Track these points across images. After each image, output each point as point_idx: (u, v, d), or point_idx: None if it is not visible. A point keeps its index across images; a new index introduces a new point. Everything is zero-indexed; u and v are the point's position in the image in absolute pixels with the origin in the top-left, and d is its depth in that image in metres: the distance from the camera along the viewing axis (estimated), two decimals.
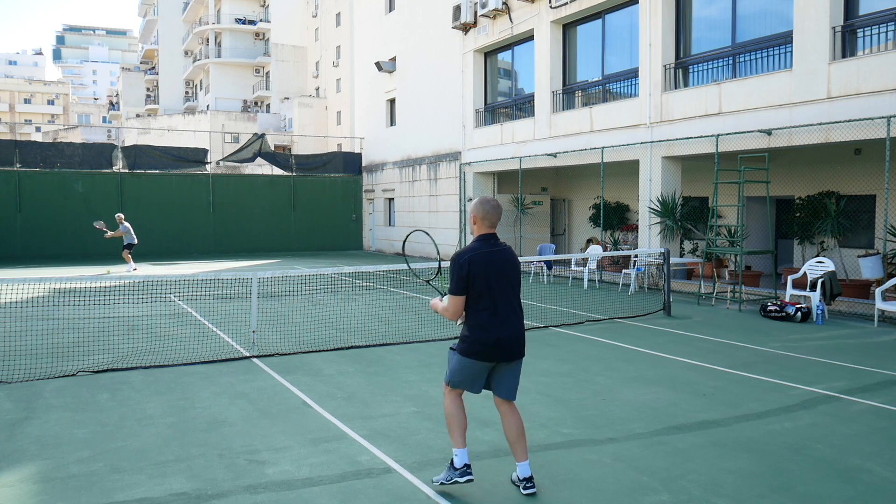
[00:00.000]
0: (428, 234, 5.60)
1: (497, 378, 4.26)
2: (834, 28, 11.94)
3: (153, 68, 69.70)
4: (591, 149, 17.13)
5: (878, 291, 10.22)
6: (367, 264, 16.49)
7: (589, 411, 5.95)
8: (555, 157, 18.32)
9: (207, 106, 54.41)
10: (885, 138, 10.91)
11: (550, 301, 12.93)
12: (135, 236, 18.66)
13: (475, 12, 21.40)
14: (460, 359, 4.20)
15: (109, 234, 18.59)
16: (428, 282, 4.88)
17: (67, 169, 24.33)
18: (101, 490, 4.29)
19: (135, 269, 18.60)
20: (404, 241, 5.30)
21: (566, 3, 17.94)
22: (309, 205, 28.34)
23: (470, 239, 4.38)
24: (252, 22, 55.24)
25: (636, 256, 14.93)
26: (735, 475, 4.50)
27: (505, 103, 22.10)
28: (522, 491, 4.17)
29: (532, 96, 19.84)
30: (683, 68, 15.45)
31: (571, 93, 18.92)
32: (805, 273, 11.68)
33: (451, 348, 4.33)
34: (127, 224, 18.57)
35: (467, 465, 4.19)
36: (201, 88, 60.31)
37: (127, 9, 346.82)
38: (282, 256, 24.85)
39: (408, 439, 5.21)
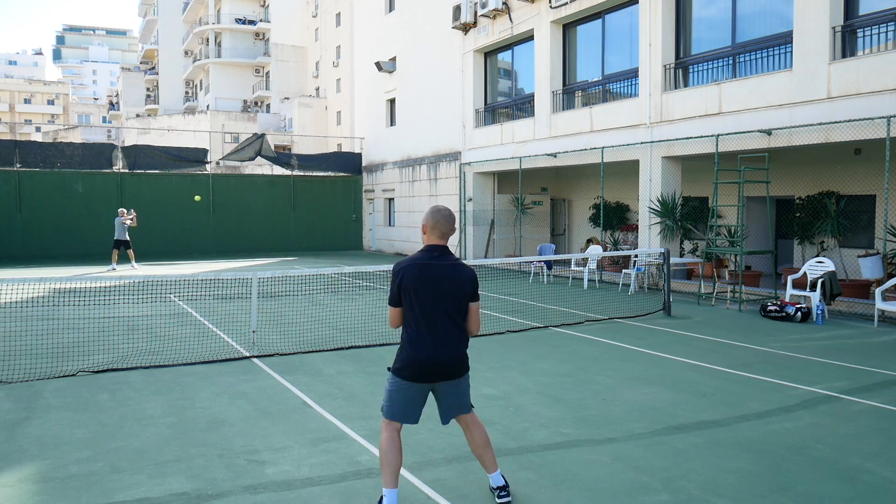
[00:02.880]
0: None
1: (440, 397, 4.00)
2: (834, 28, 11.94)
3: (153, 68, 69.70)
4: (591, 149, 17.13)
5: (878, 291, 10.22)
6: (367, 264, 16.49)
7: (589, 411, 5.95)
8: (555, 157, 18.32)
9: (207, 106, 54.41)
10: (885, 138, 10.91)
11: (550, 301, 12.93)
12: (122, 233, 19.07)
13: (475, 12, 21.40)
14: (392, 379, 3.95)
15: (133, 222, 19.08)
16: None
17: (67, 169, 24.32)
18: (101, 490, 4.29)
19: (113, 270, 18.75)
20: None
21: (566, 3, 17.94)
22: (309, 205, 28.33)
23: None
24: (252, 22, 55.24)
25: (636, 256, 14.93)
26: (735, 475, 4.50)
27: (505, 103, 22.10)
28: (497, 500, 4.05)
29: (532, 96, 19.84)
30: (683, 68, 15.45)
31: (571, 93, 18.92)
32: (805, 273, 11.68)
33: (388, 368, 4.05)
34: (121, 219, 18.90)
35: None
36: (201, 88, 60.31)
37: (127, 9, 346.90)
38: (282, 256, 24.85)
39: (407, 439, 5.20)
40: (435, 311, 3.85)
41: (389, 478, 3.88)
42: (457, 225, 22.64)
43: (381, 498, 3.91)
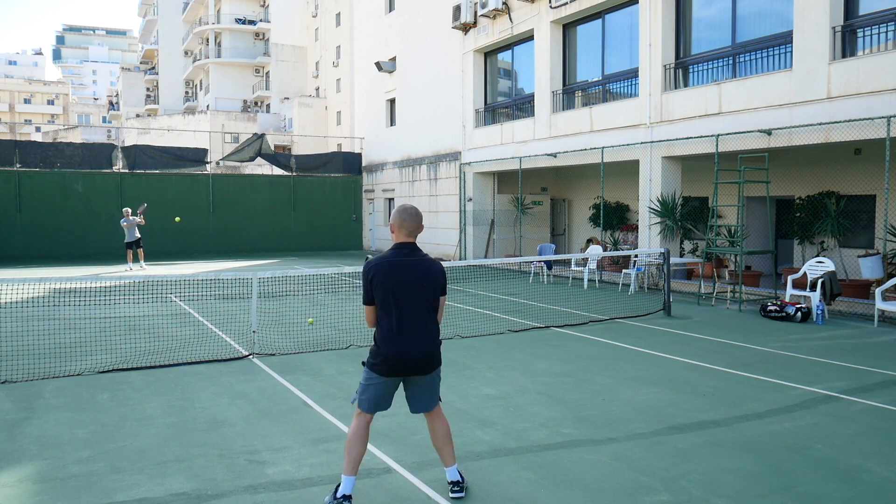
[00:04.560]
0: None
1: (410, 392, 4.11)
2: (834, 28, 11.94)
3: (153, 68, 69.69)
4: (591, 149, 17.13)
5: (878, 291, 10.22)
6: None
7: (589, 411, 5.95)
8: (555, 157, 18.32)
9: (207, 106, 54.40)
10: (885, 138, 10.91)
11: (550, 301, 12.93)
12: (131, 234, 19.07)
13: (475, 12, 21.40)
14: (367, 374, 4.04)
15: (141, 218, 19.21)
16: None
17: (67, 169, 24.32)
18: (101, 490, 4.29)
19: (129, 270, 18.81)
20: None
21: (566, 3, 17.94)
22: (309, 205, 28.33)
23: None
24: (252, 22, 55.23)
25: (636, 256, 14.93)
26: (735, 475, 4.50)
27: (505, 103, 22.10)
28: (450, 494, 4.13)
29: (532, 96, 19.84)
30: (683, 68, 15.45)
31: (571, 93, 18.92)
32: (805, 273, 11.68)
33: (362, 362, 4.16)
34: (131, 219, 18.98)
35: (347, 497, 3.94)
36: (201, 88, 60.30)
37: (127, 9, 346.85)
38: (282, 256, 24.84)
39: (408, 439, 5.21)
40: (406, 307, 3.94)
41: (350, 464, 4.00)
42: (457, 225, 22.70)
43: (338, 485, 4.01)
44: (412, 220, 4.04)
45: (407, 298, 3.94)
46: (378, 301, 3.96)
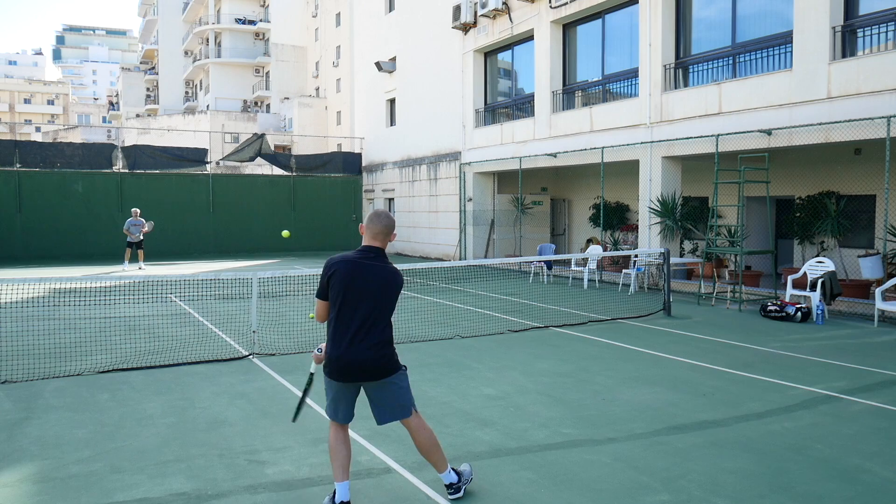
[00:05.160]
0: None
1: (371, 401, 4.02)
2: (834, 28, 11.94)
3: (153, 68, 69.68)
4: (591, 149, 17.13)
5: (878, 291, 10.22)
6: None
7: (589, 411, 5.95)
8: (555, 157, 18.32)
9: (207, 106, 54.39)
10: (885, 138, 10.91)
11: (550, 301, 12.93)
12: (134, 234, 19.19)
13: (475, 12, 21.40)
14: (324, 378, 4.01)
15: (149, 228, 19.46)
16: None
17: (67, 169, 24.31)
18: (101, 490, 4.29)
19: (124, 270, 18.86)
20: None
21: (566, 3, 17.94)
22: (309, 205, 28.32)
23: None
24: (252, 22, 55.23)
25: (636, 256, 14.93)
26: (735, 475, 4.50)
27: (505, 103, 22.10)
28: (448, 496, 4.14)
29: (532, 96, 19.84)
30: (683, 68, 15.45)
31: (571, 93, 18.92)
32: (805, 273, 11.68)
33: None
34: (139, 220, 19.17)
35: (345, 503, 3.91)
36: (201, 88, 60.30)
37: (127, 9, 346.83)
38: (282, 256, 24.84)
39: (408, 439, 5.19)
40: (358, 310, 3.87)
41: (338, 471, 3.96)
42: (457, 225, 22.70)
43: (334, 492, 3.96)
44: (378, 222, 3.99)
45: (360, 302, 3.86)
46: (331, 299, 3.92)
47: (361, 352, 3.85)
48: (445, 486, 4.17)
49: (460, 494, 4.14)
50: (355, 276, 3.88)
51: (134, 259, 19.55)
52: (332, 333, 3.92)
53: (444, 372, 7.39)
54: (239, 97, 56.22)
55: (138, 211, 19.67)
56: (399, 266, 4.54)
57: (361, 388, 4.03)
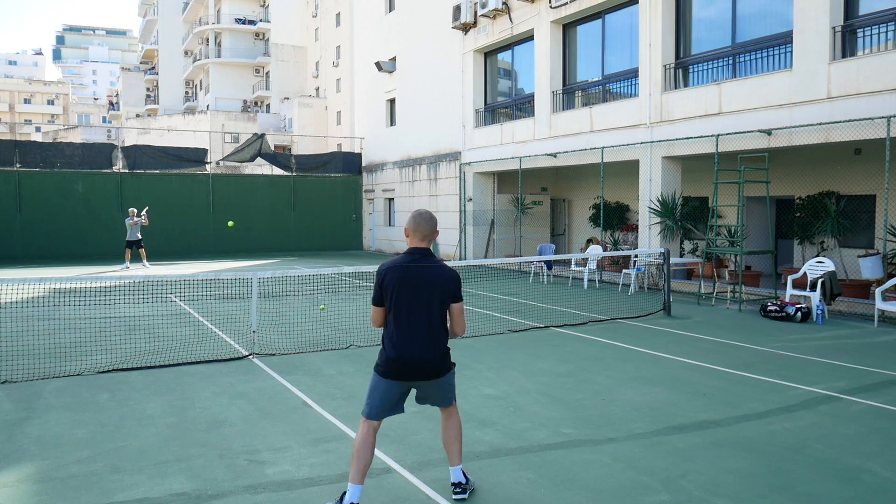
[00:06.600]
0: None
1: (422, 395, 4.14)
2: (834, 28, 11.94)
3: (153, 68, 69.67)
4: (591, 149, 17.13)
5: (878, 291, 10.22)
6: (367, 264, 16.48)
7: (589, 411, 5.95)
8: (555, 157, 18.32)
9: (207, 106, 54.37)
10: (885, 138, 10.91)
11: (550, 301, 12.93)
12: (133, 233, 19.27)
13: (475, 12, 21.40)
14: (373, 377, 4.10)
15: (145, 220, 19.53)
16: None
17: (67, 169, 24.31)
18: (101, 490, 4.29)
19: (126, 269, 18.87)
20: None
21: (566, 3, 17.94)
22: (309, 205, 28.33)
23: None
24: (252, 22, 55.21)
25: (636, 256, 14.93)
26: (735, 475, 4.50)
27: (505, 103, 22.10)
28: (453, 496, 4.12)
29: (532, 96, 19.84)
30: (683, 68, 15.45)
31: (571, 93, 18.92)
32: (805, 273, 11.68)
33: (374, 367, 4.19)
34: (135, 219, 19.19)
35: None
36: (201, 88, 60.29)
37: (127, 9, 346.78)
38: (282, 256, 24.85)
39: (408, 439, 5.21)
40: (414, 312, 3.96)
41: (357, 473, 3.94)
42: (457, 225, 22.70)
43: (344, 493, 3.94)
44: (426, 224, 4.06)
45: (414, 304, 3.96)
46: (387, 304, 4.01)
47: (422, 353, 3.96)
48: (452, 483, 4.16)
49: (465, 496, 4.12)
50: (407, 279, 3.96)
51: (135, 259, 19.55)
52: (391, 335, 4.01)
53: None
54: (239, 97, 56.20)
55: (134, 211, 19.68)
56: None
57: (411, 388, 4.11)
